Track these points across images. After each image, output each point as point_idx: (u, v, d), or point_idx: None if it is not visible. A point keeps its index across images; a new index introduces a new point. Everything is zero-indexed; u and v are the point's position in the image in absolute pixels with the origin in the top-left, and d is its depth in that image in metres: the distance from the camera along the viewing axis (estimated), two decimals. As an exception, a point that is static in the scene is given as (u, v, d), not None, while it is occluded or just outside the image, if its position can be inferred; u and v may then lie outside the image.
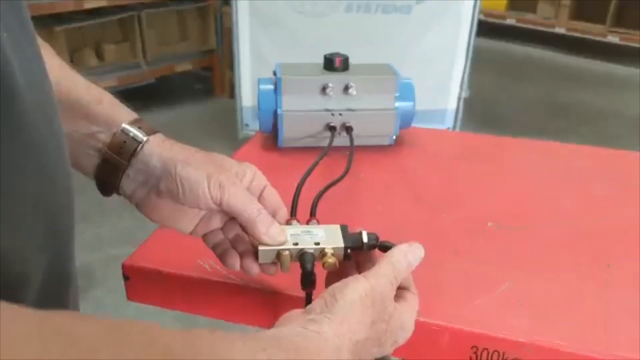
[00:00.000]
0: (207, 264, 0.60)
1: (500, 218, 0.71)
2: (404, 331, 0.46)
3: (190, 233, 0.53)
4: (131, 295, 0.62)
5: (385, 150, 0.88)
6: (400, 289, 0.47)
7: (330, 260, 0.48)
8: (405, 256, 0.47)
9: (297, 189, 0.63)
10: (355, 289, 0.42)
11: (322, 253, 0.49)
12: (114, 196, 0.53)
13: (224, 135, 2.90)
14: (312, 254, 0.49)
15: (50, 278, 0.38)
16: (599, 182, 0.81)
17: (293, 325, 0.40)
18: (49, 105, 0.39)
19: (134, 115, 0.52)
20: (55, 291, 0.41)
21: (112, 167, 0.50)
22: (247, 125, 2.77)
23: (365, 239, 0.50)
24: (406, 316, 0.46)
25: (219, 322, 0.62)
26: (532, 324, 0.54)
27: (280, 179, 0.78)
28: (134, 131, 0.50)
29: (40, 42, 0.49)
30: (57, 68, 0.50)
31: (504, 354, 0.53)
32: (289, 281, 0.58)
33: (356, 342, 0.41)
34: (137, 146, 0.50)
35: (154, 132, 0.51)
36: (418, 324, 0.54)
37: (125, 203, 0.54)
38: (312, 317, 0.40)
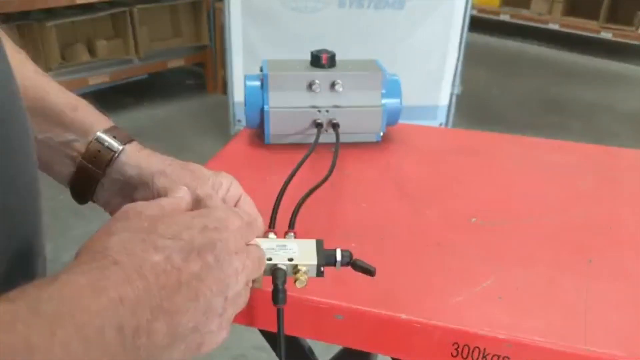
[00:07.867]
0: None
1: (484, 213, 0.71)
2: (218, 222, 0.42)
3: None
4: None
5: (372, 146, 0.88)
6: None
7: (302, 278, 0.49)
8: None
9: (277, 199, 0.62)
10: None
11: (295, 269, 0.50)
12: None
13: (216, 130, 2.89)
14: (284, 270, 0.50)
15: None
16: (583, 177, 0.82)
17: None
18: (17, 104, 0.38)
19: (109, 122, 0.51)
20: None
21: (87, 176, 0.50)
22: (239, 121, 2.77)
23: (338, 257, 0.51)
24: (201, 218, 0.42)
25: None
26: (513, 321, 0.54)
27: (267, 175, 0.79)
28: (109, 140, 0.50)
29: (14, 47, 0.49)
30: (32, 74, 0.50)
31: (484, 350, 0.53)
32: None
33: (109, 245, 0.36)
34: (112, 156, 0.49)
35: (130, 141, 0.51)
36: (400, 322, 0.54)
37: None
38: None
